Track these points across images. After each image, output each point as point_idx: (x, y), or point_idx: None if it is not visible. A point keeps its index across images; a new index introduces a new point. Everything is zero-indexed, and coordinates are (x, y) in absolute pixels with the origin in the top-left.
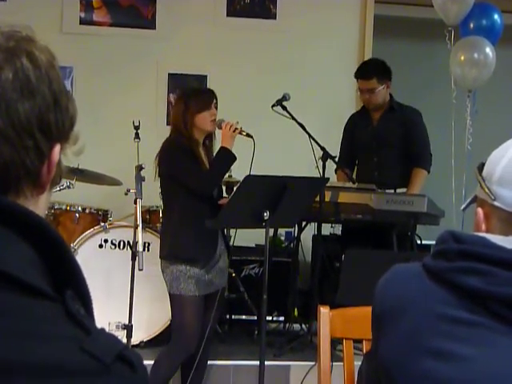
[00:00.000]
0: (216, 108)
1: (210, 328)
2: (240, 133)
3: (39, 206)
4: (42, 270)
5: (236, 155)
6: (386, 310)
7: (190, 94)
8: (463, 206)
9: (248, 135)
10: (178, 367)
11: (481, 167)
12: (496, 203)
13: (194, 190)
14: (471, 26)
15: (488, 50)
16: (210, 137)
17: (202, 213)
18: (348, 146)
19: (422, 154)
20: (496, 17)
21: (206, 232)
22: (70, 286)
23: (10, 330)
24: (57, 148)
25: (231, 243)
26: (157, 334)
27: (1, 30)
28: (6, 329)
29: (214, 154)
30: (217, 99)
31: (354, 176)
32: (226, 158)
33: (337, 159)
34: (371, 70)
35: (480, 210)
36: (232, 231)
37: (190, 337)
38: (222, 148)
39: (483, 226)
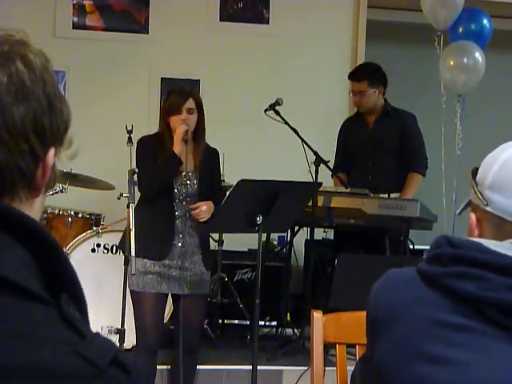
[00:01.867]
0: (191, 111)
1: (190, 334)
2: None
3: (34, 209)
4: (36, 273)
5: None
6: (381, 315)
7: (167, 95)
8: (458, 211)
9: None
10: (151, 367)
11: (475, 172)
12: (488, 208)
13: (140, 191)
14: (460, 30)
15: (477, 54)
16: (198, 134)
17: (158, 211)
18: (343, 150)
19: (417, 158)
20: (485, 21)
21: (159, 229)
22: (64, 289)
23: (5, 334)
24: (51, 151)
25: (223, 247)
26: None
27: None
28: (0, 333)
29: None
30: (197, 100)
31: (348, 180)
32: (170, 162)
33: (332, 164)
34: (362, 73)
35: (473, 215)
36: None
37: (144, 334)
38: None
39: (476, 231)
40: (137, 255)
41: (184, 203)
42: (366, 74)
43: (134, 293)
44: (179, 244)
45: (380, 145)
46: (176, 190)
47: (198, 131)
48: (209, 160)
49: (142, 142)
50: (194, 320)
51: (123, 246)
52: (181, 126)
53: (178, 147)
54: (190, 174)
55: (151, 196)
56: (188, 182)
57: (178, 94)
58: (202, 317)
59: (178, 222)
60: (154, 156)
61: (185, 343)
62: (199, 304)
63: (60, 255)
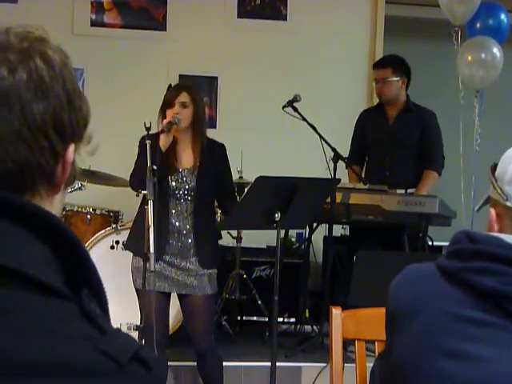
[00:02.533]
0: (184, 105)
1: (196, 337)
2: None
3: (54, 205)
4: (57, 269)
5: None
6: (400, 309)
7: (166, 91)
8: (477, 207)
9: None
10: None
11: (494, 167)
12: (508, 203)
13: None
14: (478, 25)
15: (495, 49)
16: (195, 130)
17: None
18: (359, 142)
19: (434, 156)
20: (503, 16)
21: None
22: (85, 285)
23: (25, 330)
24: (71, 148)
25: (241, 244)
26: (171, 332)
27: (14, 31)
28: (20, 328)
29: None
30: (193, 95)
31: (364, 174)
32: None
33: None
34: (387, 60)
35: (493, 211)
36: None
37: (148, 330)
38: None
39: (496, 226)
40: (135, 254)
41: (182, 201)
42: (390, 62)
43: (136, 290)
44: (174, 243)
45: (400, 140)
46: (172, 188)
47: (195, 126)
48: (210, 156)
49: (142, 140)
50: (197, 322)
51: (130, 245)
52: (166, 118)
53: (160, 141)
54: (187, 171)
55: (136, 190)
56: (185, 179)
57: (174, 88)
58: (206, 318)
59: (173, 220)
60: (157, 152)
61: (194, 346)
62: (201, 305)
63: (81, 251)
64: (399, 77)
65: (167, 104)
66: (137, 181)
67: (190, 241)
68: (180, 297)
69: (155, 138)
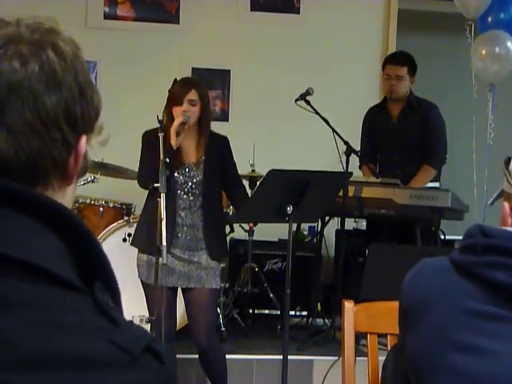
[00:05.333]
0: (193, 102)
1: (197, 333)
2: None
3: (66, 197)
4: (70, 261)
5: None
6: (414, 304)
7: (171, 86)
8: (490, 201)
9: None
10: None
11: (508, 161)
12: None
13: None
14: (489, 19)
15: (509, 43)
16: (201, 126)
17: (154, 204)
18: (369, 141)
19: (434, 151)
20: None
21: (156, 223)
22: (98, 277)
23: (38, 322)
24: (83, 139)
25: (254, 237)
26: (180, 327)
27: (25, 23)
28: (33, 321)
29: None
30: (201, 92)
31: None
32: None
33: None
34: (404, 59)
35: (506, 205)
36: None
37: (155, 323)
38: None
39: (509, 220)
40: (141, 250)
41: (190, 195)
42: (407, 61)
43: (142, 283)
44: (183, 236)
45: (405, 139)
46: (180, 182)
47: (202, 122)
48: (215, 149)
49: (146, 135)
50: (200, 317)
51: (136, 242)
52: (178, 118)
53: (173, 140)
54: (194, 165)
55: (145, 188)
56: (192, 173)
57: (181, 84)
58: (209, 313)
59: (182, 214)
60: (155, 148)
61: (195, 342)
62: (206, 299)
63: (93, 243)
64: (411, 77)
65: (175, 101)
66: (147, 176)
67: (200, 234)
68: (185, 291)
69: (155, 132)
